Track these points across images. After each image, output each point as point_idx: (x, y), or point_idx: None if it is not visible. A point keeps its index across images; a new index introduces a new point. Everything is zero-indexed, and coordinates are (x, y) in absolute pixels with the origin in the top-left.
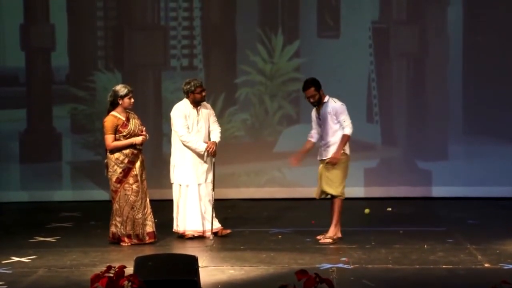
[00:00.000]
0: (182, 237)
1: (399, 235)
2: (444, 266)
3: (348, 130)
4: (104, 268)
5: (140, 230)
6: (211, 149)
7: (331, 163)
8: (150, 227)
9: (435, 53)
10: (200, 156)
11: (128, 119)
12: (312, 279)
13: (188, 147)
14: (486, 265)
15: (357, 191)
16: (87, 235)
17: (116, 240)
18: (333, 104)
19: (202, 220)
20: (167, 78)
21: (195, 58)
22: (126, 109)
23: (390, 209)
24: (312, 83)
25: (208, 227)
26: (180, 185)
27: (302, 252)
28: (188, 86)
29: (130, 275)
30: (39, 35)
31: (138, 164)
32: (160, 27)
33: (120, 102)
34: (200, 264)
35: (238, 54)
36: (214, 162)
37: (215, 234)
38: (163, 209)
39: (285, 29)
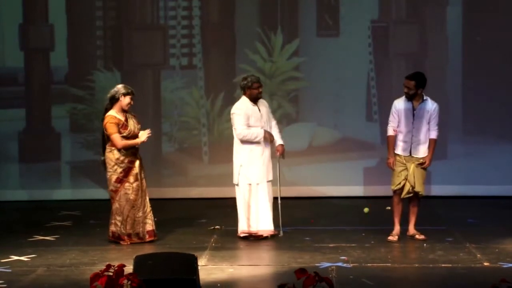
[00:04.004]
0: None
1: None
2: (443, 265)
3: (437, 135)
4: (103, 267)
5: (141, 229)
6: (280, 153)
7: (427, 166)
8: (150, 226)
9: (435, 52)
10: (266, 154)
11: (126, 120)
12: (311, 278)
13: (248, 140)
14: (486, 263)
15: (357, 190)
16: (87, 234)
17: (116, 239)
18: (434, 105)
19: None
20: (166, 77)
21: (195, 57)
22: (122, 109)
23: (389, 208)
24: (415, 78)
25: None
26: (250, 184)
27: (302, 251)
28: (245, 82)
29: (130, 274)
30: (38, 35)
31: (137, 162)
32: (159, 26)
33: (120, 98)
34: (199, 263)
35: (237, 53)
36: (279, 161)
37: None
38: (162, 208)
39: (285, 28)
